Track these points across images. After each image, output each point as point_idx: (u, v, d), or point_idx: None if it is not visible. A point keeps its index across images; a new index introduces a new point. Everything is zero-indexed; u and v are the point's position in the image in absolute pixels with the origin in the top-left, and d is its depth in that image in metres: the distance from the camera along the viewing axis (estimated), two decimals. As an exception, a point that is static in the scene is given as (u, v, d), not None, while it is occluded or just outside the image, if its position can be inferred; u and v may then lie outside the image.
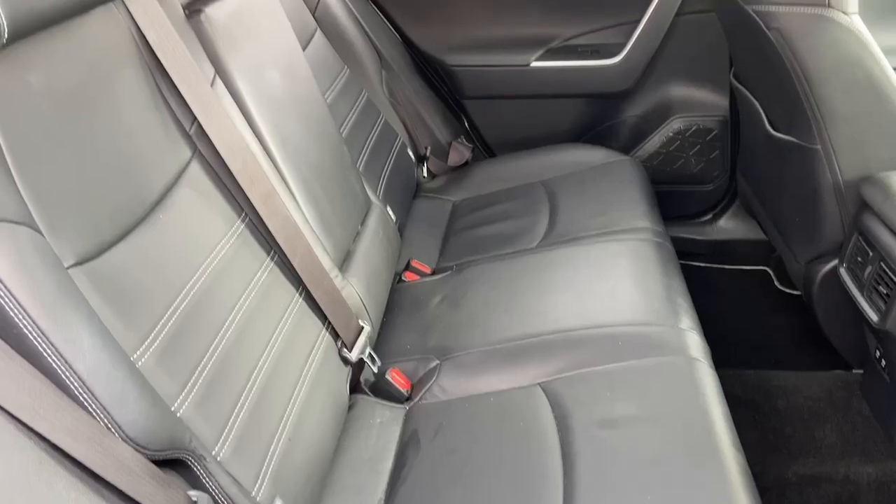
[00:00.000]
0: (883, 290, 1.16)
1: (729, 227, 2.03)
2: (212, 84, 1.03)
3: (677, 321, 1.18)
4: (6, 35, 0.68)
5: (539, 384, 1.10)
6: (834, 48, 1.20)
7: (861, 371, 1.47)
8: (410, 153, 1.83)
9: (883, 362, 1.27)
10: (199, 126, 0.99)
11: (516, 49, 1.94)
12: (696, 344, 1.14)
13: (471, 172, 1.90)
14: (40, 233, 0.68)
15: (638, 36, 1.86)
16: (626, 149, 2.01)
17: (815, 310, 1.44)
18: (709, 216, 2.05)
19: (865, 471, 1.48)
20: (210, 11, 1.05)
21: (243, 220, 1.03)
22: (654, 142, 2.00)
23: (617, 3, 1.88)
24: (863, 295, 1.23)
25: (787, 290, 1.90)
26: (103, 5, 0.86)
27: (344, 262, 1.24)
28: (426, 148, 1.89)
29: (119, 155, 0.85)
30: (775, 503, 1.46)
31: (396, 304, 1.41)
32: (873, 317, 1.17)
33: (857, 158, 1.25)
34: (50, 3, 0.75)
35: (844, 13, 1.18)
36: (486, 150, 2.07)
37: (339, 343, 1.12)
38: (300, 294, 1.08)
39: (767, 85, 1.42)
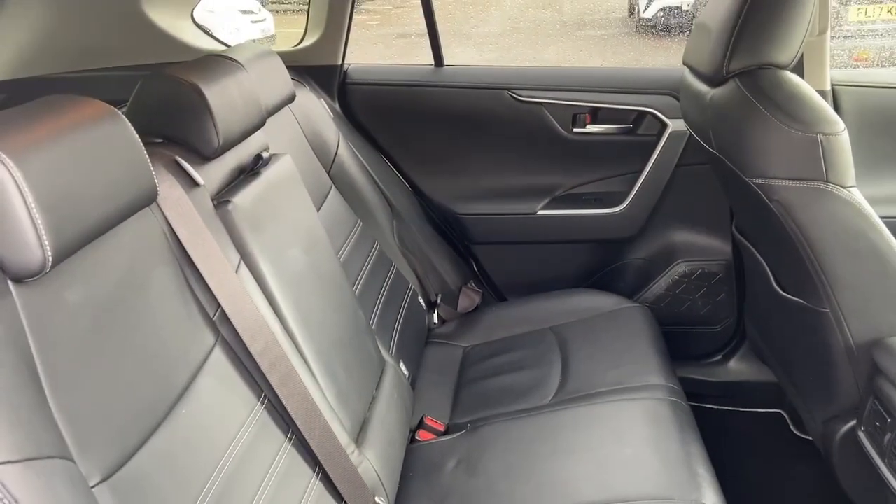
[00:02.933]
0: (906, 460, 1.15)
1: (740, 368, 2.03)
2: (237, 270, 1.07)
3: (700, 495, 1.16)
4: (49, 265, 0.71)
5: (561, 567, 1.07)
6: (835, 220, 1.24)
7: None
8: (421, 300, 1.86)
9: (912, 532, 1.24)
10: (223, 312, 1.02)
11: (523, 198, 2.01)
12: (720, 522, 1.11)
13: (481, 317, 1.92)
14: (72, 459, 0.68)
15: (640, 186, 1.94)
16: (633, 291, 2.05)
17: (836, 469, 1.41)
18: (718, 357, 2.06)
19: None
20: (237, 201, 1.10)
21: (262, 403, 1.04)
22: (660, 284, 2.03)
23: (619, 155, 1.97)
24: (885, 462, 1.22)
25: (804, 436, 1.88)
26: (139, 210, 0.90)
27: (360, 433, 1.23)
28: (437, 295, 1.91)
29: (147, 356, 0.86)
30: None
31: (411, 467, 1.38)
32: (898, 489, 1.15)
33: (866, 323, 1.27)
34: (92, 221, 0.79)
35: (843, 187, 1.23)
36: (495, 293, 2.10)
37: (356, 524, 1.09)
38: (317, 475, 1.07)
39: (771, 246, 1.46)
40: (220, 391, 0.97)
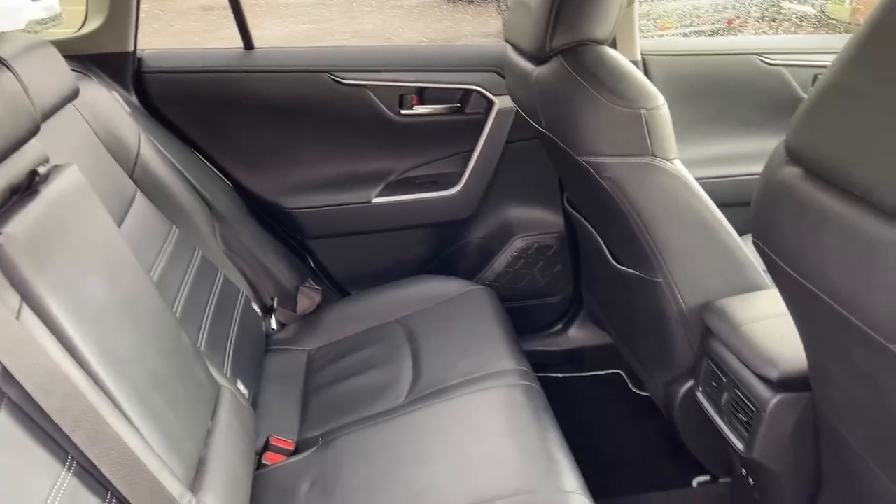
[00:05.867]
0: (743, 417, 1.21)
1: (579, 335, 2.09)
2: (17, 315, 0.88)
3: (561, 483, 1.15)
4: None
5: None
6: (662, 192, 1.27)
7: (729, 480, 1.52)
8: (256, 307, 1.71)
9: (750, 480, 1.32)
10: (5, 369, 0.83)
11: (355, 186, 1.91)
12: (583, 507, 1.11)
13: (323, 317, 1.81)
14: None
15: (473, 165, 1.91)
16: (474, 271, 2.04)
17: (679, 427, 1.48)
18: (559, 326, 2.11)
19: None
20: (9, 230, 0.90)
21: (69, 469, 0.87)
22: (500, 262, 2.03)
23: (449, 135, 1.92)
24: (723, 420, 1.28)
25: (642, 393, 1.97)
26: None
27: (196, 476, 1.09)
28: (272, 298, 1.77)
29: None
30: None
31: (261, 497, 1.26)
32: (738, 445, 1.21)
33: (696, 289, 1.32)
34: None
35: (667, 160, 1.26)
36: (336, 289, 2.00)
37: (202, 584, 0.96)
38: (148, 539, 0.92)
39: (604, 221, 1.48)
40: (9, 466, 0.80)
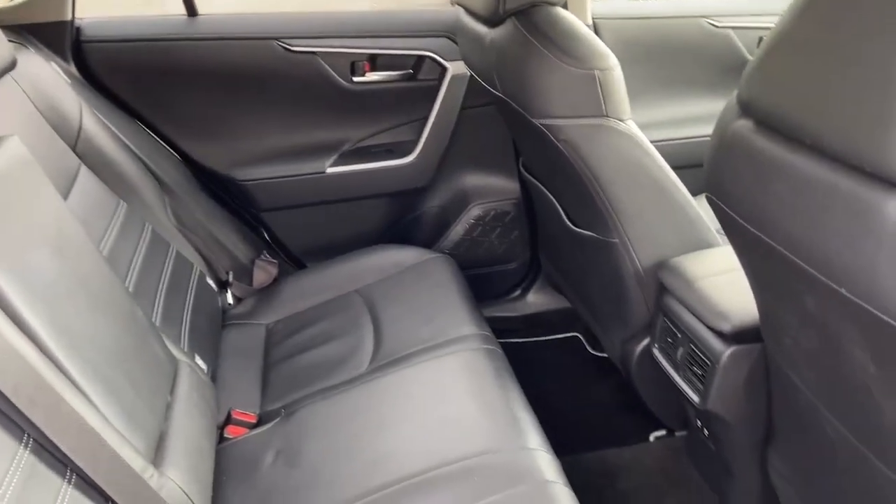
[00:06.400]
0: (698, 370, 1.25)
1: (537, 300, 2.12)
2: (-37, 292, 0.85)
3: (525, 441, 1.17)
4: None
5: (402, 546, 1.03)
6: (617, 153, 1.29)
7: (684, 433, 1.57)
8: (210, 282, 1.68)
9: (706, 431, 1.37)
10: (-46, 351, 0.80)
11: (309, 157, 1.88)
12: (547, 463, 1.13)
13: (281, 290, 1.79)
14: None
15: (428, 133, 1.90)
16: (431, 240, 2.04)
17: (636, 384, 1.52)
18: (518, 292, 2.13)
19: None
20: (-51, 205, 0.87)
21: (26, 447, 0.85)
22: (457, 230, 2.04)
23: (403, 103, 1.90)
24: (679, 374, 1.32)
25: (599, 354, 2.02)
26: None
27: (158, 450, 1.07)
28: (227, 273, 1.74)
29: None
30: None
31: (224, 470, 1.25)
32: (694, 398, 1.25)
33: (651, 248, 1.35)
34: None
35: (620, 120, 1.28)
36: (293, 261, 1.97)
37: (168, 557, 0.96)
38: (112, 515, 0.91)
39: (560, 184, 1.50)
40: (-38, 448, 0.77)
